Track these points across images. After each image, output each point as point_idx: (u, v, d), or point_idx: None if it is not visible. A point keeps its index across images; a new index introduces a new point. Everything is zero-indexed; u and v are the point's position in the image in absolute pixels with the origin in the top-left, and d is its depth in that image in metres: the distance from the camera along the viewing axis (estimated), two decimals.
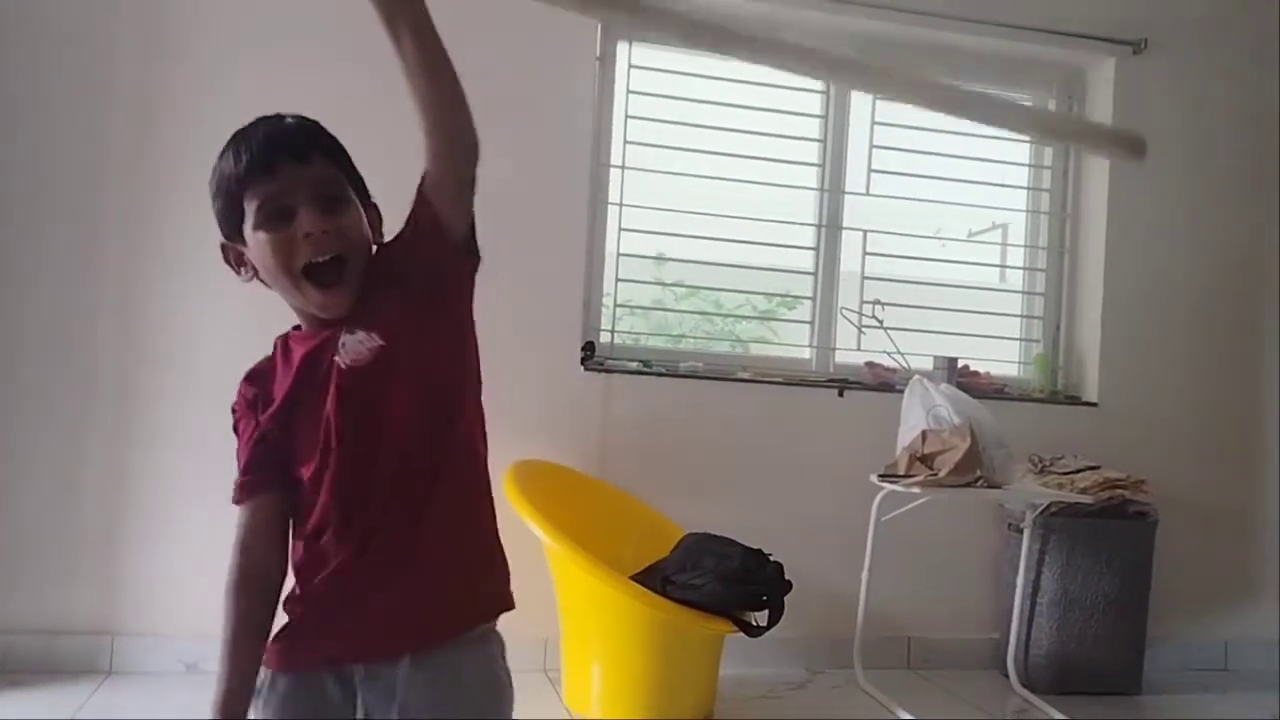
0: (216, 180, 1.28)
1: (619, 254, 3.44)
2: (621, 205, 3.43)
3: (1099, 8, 3.64)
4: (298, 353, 1.29)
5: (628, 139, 3.43)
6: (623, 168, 3.43)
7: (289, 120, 1.28)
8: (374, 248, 1.31)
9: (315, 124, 1.30)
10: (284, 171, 1.22)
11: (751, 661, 3.12)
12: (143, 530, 2.97)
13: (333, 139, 1.31)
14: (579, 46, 3.29)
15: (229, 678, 1.26)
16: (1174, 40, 3.67)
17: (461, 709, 1.26)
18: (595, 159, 3.35)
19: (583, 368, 3.29)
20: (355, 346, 1.23)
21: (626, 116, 3.43)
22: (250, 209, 1.24)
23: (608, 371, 3.31)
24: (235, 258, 1.30)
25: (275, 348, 1.35)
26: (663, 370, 3.39)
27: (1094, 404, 3.65)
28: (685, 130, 3.46)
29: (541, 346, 3.24)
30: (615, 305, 3.46)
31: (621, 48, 3.45)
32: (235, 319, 3.02)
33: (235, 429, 1.36)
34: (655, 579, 2.69)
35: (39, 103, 2.95)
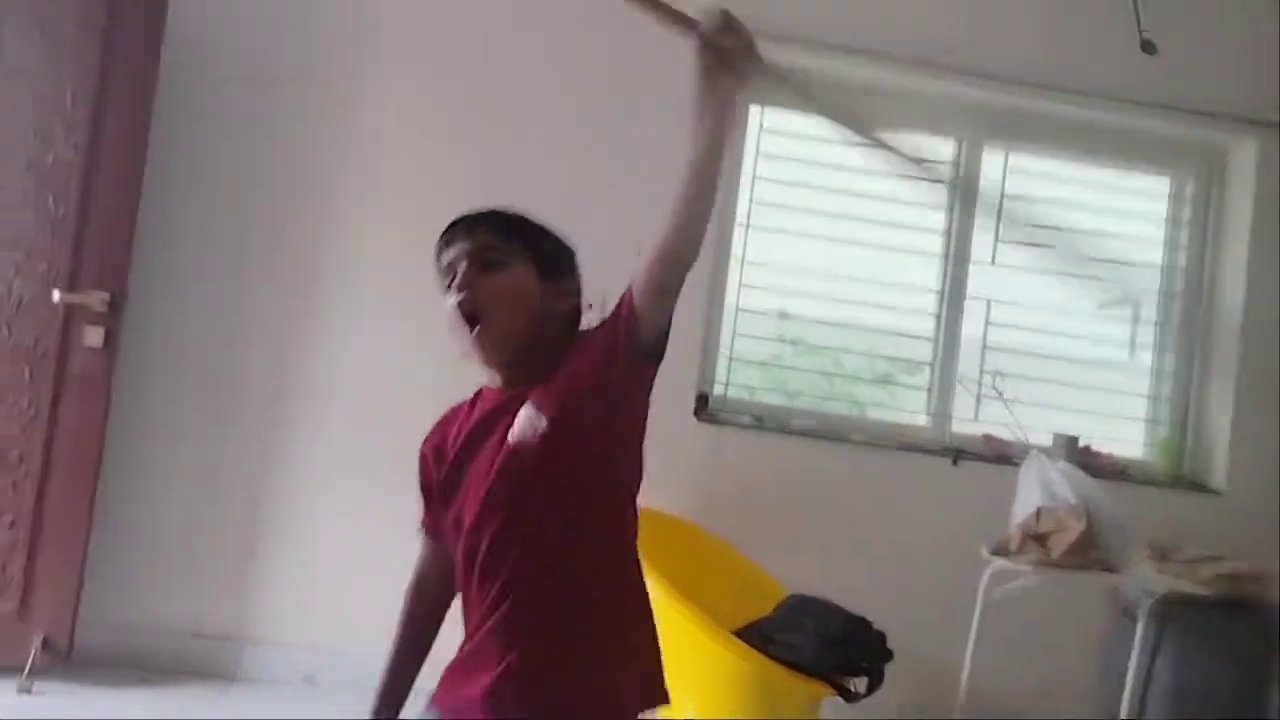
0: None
1: (739, 309, 3.51)
2: (744, 261, 3.51)
3: (1244, 89, 3.57)
4: (479, 409, 1.41)
5: (755, 199, 3.51)
6: (748, 226, 3.51)
7: (494, 208, 1.45)
8: (563, 325, 1.42)
9: (502, 209, 1.45)
10: (458, 244, 1.40)
11: None
12: (278, 544, 3.16)
13: (509, 219, 1.43)
14: None
15: (382, 679, 1.41)
16: None
17: None
18: (722, 217, 3.44)
19: (695, 419, 3.35)
20: (525, 425, 1.30)
21: (755, 177, 3.51)
22: (438, 268, 1.42)
23: (720, 424, 3.37)
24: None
25: (472, 399, 1.46)
26: (775, 427, 3.42)
27: (1220, 493, 3.53)
28: (813, 193, 3.52)
29: (656, 395, 3.29)
30: (731, 359, 3.52)
31: (754, 110, 3.54)
32: (377, 349, 3.22)
33: (421, 466, 1.49)
34: (756, 636, 2.71)
35: (209, 143, 3.21)
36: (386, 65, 3.29)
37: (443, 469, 1.41)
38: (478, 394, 1.45)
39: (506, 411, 1.34)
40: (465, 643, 1.38)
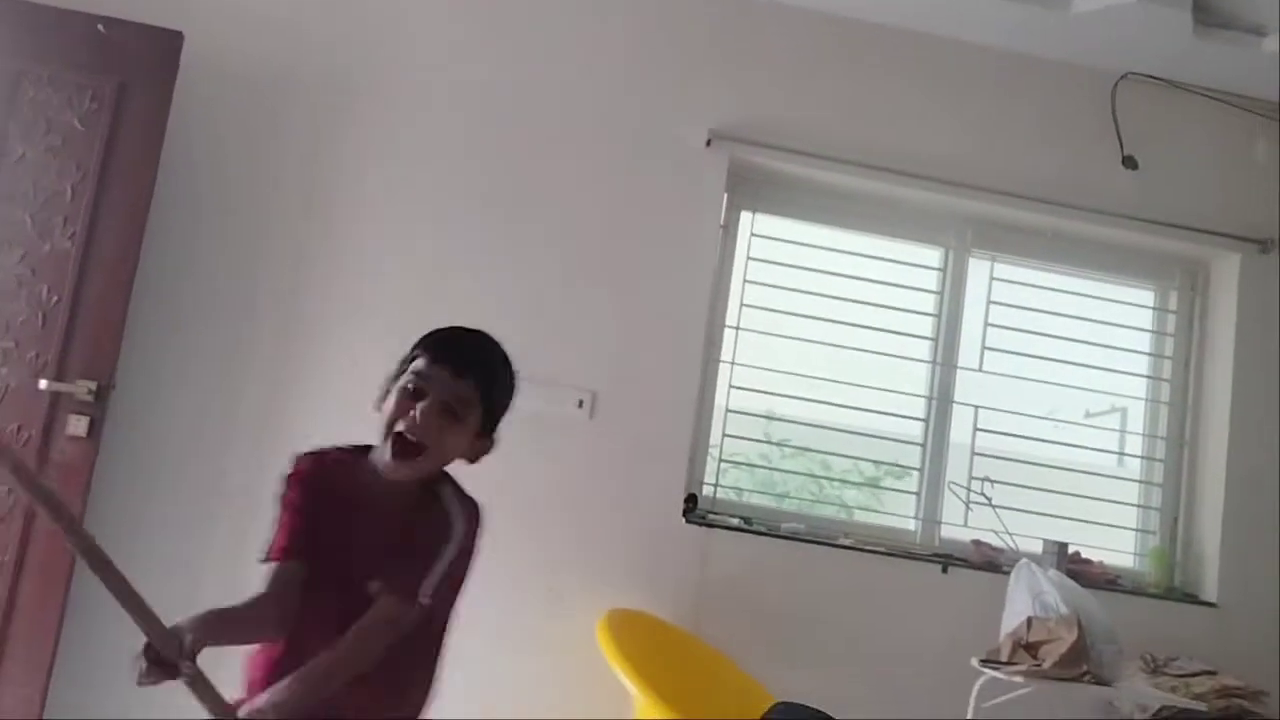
0: (421, 339, 1.59)
1: (728, 409, 3.52)
2: (734, 363, 3.53)
3: (1224, 205, 3.66)
4: (365, 479, 1.55)
5: (745, 301, 3.55)
6: (738, 328, 3.54)
7: (479, 338, 1.60)
8: (453, 467, 1.58)
9: (493, 354, 1.60)
10: (442, 372, 1.52)
11: None
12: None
13: (495, 373, 1.59)
14: (705, 214, 3.46)
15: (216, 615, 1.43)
16: None
17: None
18: (712, 319, 3.48)
19: (684, 520, 3.33)
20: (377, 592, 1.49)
21: (745, 280, 3.56)
22: (410, 368, 1.54)
23: (709, 526, 3.34)
24: (383, 396, 1.58)
25: (347, 453, 1.60)
26: (764, 529, 3.40)
27: (1213, 604, 3.49)
28: (801, 297, 3.57)
29: (645, 495, 3.30)
30: (720, 459, 3.51)
31: (745, 216, 3.61)
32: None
33: (286, 493, 1.58)
34: None
35: (203, 236, 3.25)
36: (389, 146, 3.35)
37: (326, 513, 1.52)
38: (362, 450, 1.58)
39: (377, 495, 1.53)
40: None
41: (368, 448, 1.59)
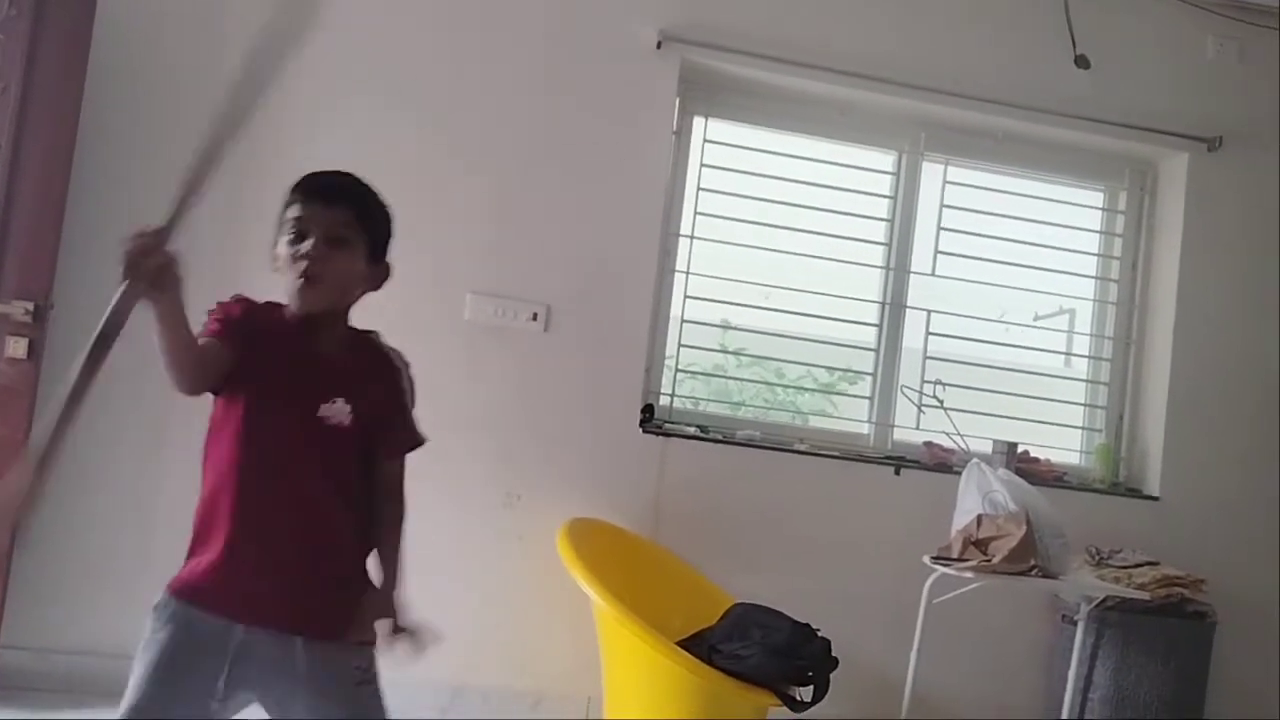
0: (291, 187, 1.65)
1: (683, 320, 3.51)
2: (689, 273, 3.51)
3: (1175, 105, 3.66)
4: (280, 318, 1.61)
5: (698, 210, 3.52)
6: (692, 237, 3.51)
7: (345, 175, 1.65)
8: (363, 294, 1.67)
9: (361, 184, 1.65)
10: (315, 207, 1.59)
11: None
12: None
13: (366, 198, 1.65)
14: (657, 120, 3.39)
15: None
16: (1247, 139, 3.68)
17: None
18: (665, 228, 3.44)
19: (641, 430, 3.34)
20: (337, 411, 1.58)
21: (699, 188, 3.52)
22: (286, 215, 1.61)
23: (665, 435, 3.36)
24: (274, 256, 1.64)
25: (266, 306, 1.65)
26: (720, 437, 3.42)
27: (1156, 498, 3.60)
28: (755, 204, 3.54)
29: (602, 406, 3.30)
30: (677, 370, 3.52)
31: (698, 121, 3.55)
32: None
33: (219, 307, 1.63)
34: (702, 647, 2.70)
35: (142, 146, 3.13)
36: (328, 66, 3.24)
37: (261, 345, 1.58)
38: (277, 305, 1.64)
39: (303, 333, 1.61)
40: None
41: (279, 303, 1.66)
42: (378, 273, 1.69)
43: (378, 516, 1.62)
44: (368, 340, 1.69)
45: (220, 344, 1.55)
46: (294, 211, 1.60)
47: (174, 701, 1.53)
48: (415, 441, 1.68)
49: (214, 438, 1.60)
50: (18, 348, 2.81)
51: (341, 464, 1.59)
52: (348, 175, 1.66)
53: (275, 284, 1.64)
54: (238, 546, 1.53)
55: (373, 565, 1.63)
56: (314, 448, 1.57)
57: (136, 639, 3.11)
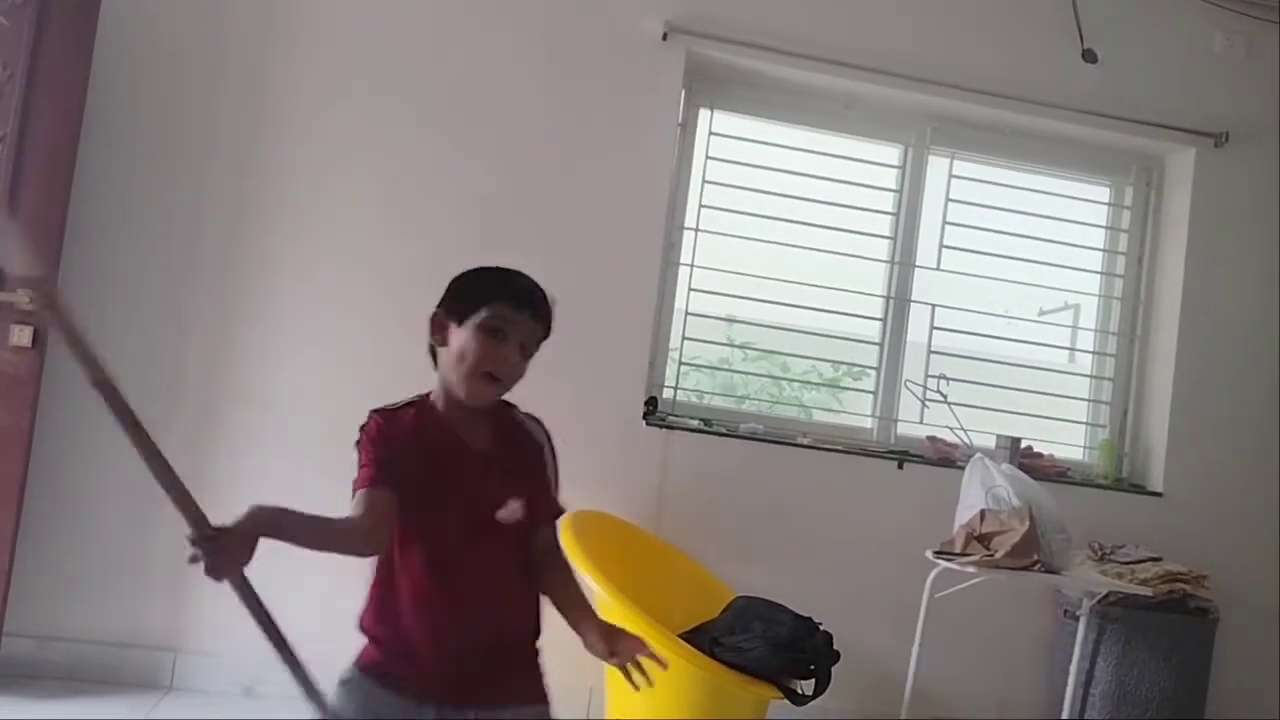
0: (489, 279, 1.67)
1: (687, 313, 3.51)
2: (693, 266, 3.50)
3: (1182, 100, 3.65)
4: (440, 421, 1.63)
5: (703, 203, 3.51)
6: (696, 230, 3.51)
7: (538, 285, 1.68)
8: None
9: (547, 298, 1.69)
10: (524, 317, 1.62)
11: None
12: None
13: (552, 315, 1.69)
14: (662, 112, 3.38)
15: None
16: (1254, 135, 3.66)
17: None
18: (670, 220, 3.43)
19: (644, 422, 3.34)
20: (511, 514, 1.63)
21: (704, 181, 3.51)
22: (492, 310, 1.61)
23: (669, 428, 3.36)
24: (439, 328, 1.64)
25: (412, 405, 1.66)
26: (723, 430, 3.42)
27: (1159, 494, 3.59)
28: (760, 197, 3.53)
29: (606, 398, 3.30)
30: (680, 362, 3.51)
31: (704, 114, 3.54)
32: (319, 358, 3.16)
33: (367, 443, 1.60)
34: (704, 640, 2.70)
35: (147, 136, 3.12)
36: (331, 55, 3.23)
37: (412, 459, 1.58)
38: (419, 403, 1.65)
39: (458, 428, 1.64)
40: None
41: (419, 398, 1.67)
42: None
43: (552, 579, 1.69)
44: (512, 419, 1.73)
45: (383, 493, 1.54)
46: (502, 312, 1.61)
47: None
48: (561, 510, 1.73)
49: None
50: (22, 336, 2.80)
51: (517, 550, 1.65)
52: (542, 290, 1.70)
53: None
54: (427, 631, 1.56)
55: (564, 618, 1.69)
56: (493, 543, 1.61)
57: (137, 628, 3.14)
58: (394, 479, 1.55)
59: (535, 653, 1.68)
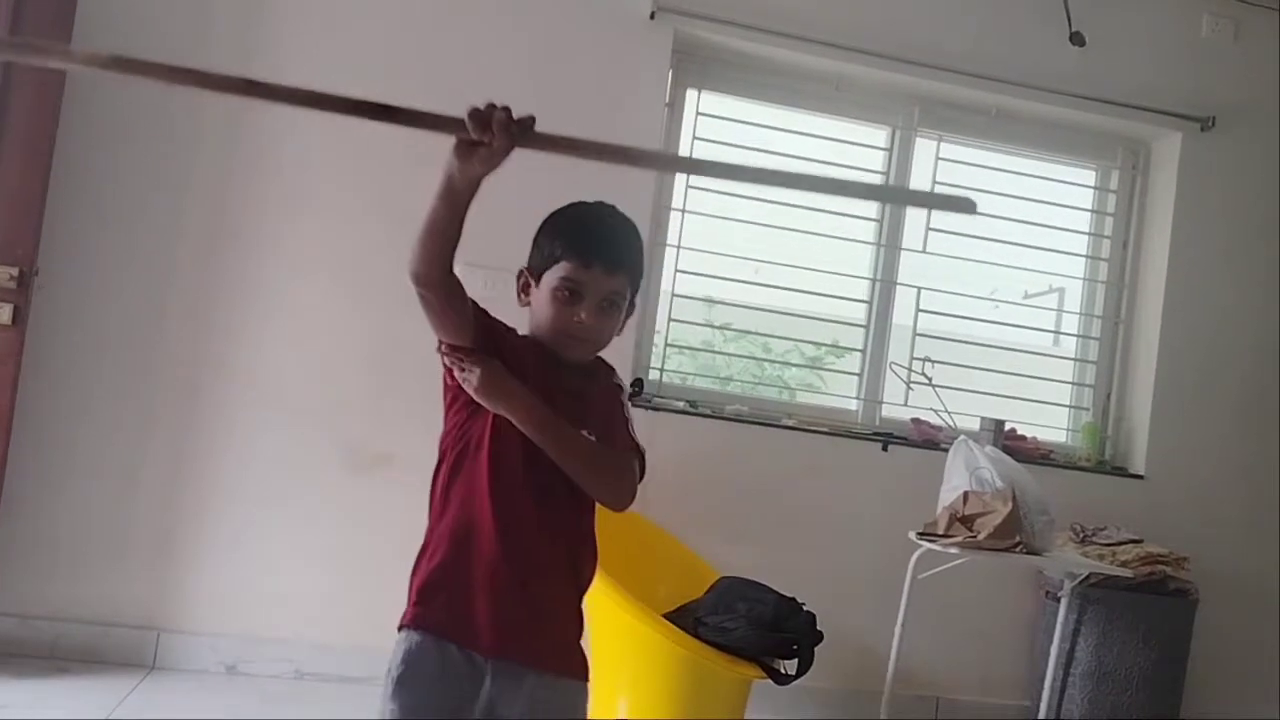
0: (558, 231, 1.63)
1: (673, 294, 3.50)
2: (680, 247, 3.49)
3: (1169, 84, 3.65)
4: (544, 359, 1.60)
5: (690, 184, 3.50)
6: (683, 211, 3.50)
7: (619, 229, 1.64)
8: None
9: (634, 240, 1.65)
10: (594, 274, 1.57)
11: (778, 709, 3.12)
12: (196, 532, 3.07)
13: (639, 260, 1.64)
14: (649, 92, 3.37)
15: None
16: (1240, 119, 3.67)
17: None
18: (657, 201, 3.42)
19: (630, 403, 3.33)
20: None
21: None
22: (560, 271, 1.57)
23: (654, 409, 3.36)
24: (524, 288, 1.63)
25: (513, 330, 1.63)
26: (708, 411, 3.43)
27: (1141, 476, 3.62)
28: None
29: None
30: (666, 344, 3.51)
31: (691, 94, 3.53)
32: (301, 334, 3.14)
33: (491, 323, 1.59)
34: (687, 619, 2.71)
35: (130, 113, 3.09)
36: (316, 36, 3.20)
37: (496, 348, 1.56)
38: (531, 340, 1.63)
39: (558, 365, 1.60)
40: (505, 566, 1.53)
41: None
42: (623, 323, 1.68)
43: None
44: (601, 367, 1.69)
45: (474, 304, 1.55)
46: (572, 274, 1.57)
47: None
48: (637, 445, 1.67)
49: (468, 460, 1.57)
50: (3, 314, 2.78)
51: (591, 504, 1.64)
52: (621, 225, 1.65)
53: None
54: (498, 576, 1.53)
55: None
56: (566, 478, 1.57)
57: (120, 607, 3.13)
58: (480, 321, 1.56)
59: (581, 628, 1.69)
